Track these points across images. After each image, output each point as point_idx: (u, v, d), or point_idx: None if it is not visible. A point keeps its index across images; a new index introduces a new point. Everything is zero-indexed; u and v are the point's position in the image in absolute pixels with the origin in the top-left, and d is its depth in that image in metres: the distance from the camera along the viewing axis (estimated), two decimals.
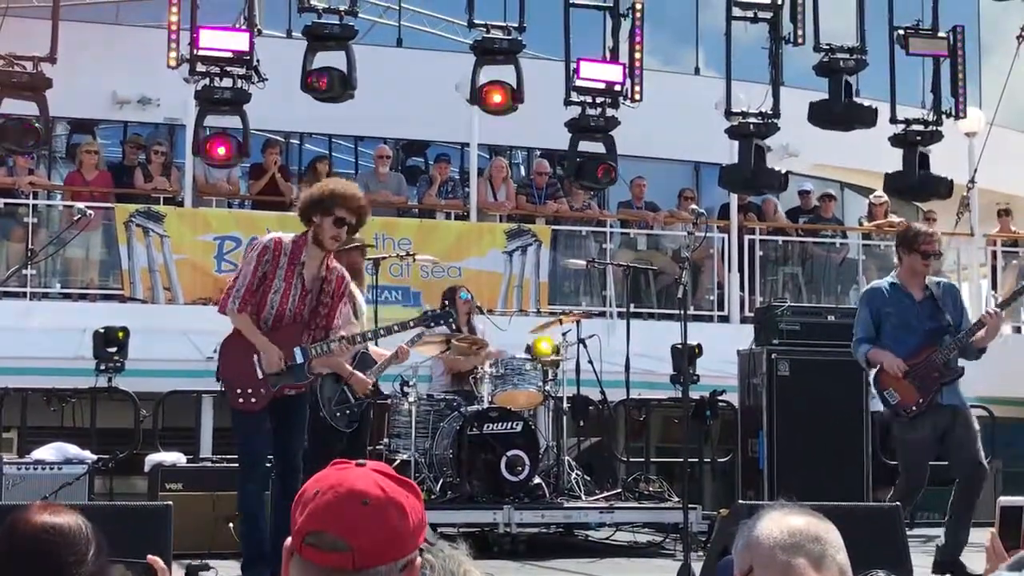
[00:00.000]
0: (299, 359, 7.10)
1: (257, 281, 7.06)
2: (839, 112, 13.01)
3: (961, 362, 8.22)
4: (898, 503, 7.72)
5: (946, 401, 8.08)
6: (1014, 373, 14.35)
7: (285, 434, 7.14)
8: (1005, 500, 3.27)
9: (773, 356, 10.43)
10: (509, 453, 9.67)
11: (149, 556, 2.77)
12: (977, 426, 8.16)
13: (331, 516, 2.06)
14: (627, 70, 12.76)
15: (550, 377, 10.39)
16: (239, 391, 7.10)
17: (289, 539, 2.14)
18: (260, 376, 7.06)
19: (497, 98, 12.32)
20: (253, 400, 7.09)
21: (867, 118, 13.00)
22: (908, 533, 7.87)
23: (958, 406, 8.11)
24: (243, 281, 7.08)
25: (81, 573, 2.42)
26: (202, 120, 11.98)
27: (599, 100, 12.64)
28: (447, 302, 11.09)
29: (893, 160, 13.59)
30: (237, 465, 7.28)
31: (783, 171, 13.43)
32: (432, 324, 7.93)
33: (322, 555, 2.05)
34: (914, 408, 8.07)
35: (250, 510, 7.01)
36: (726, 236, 15.72)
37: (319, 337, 7.16)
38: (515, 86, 12.35)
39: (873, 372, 8.22)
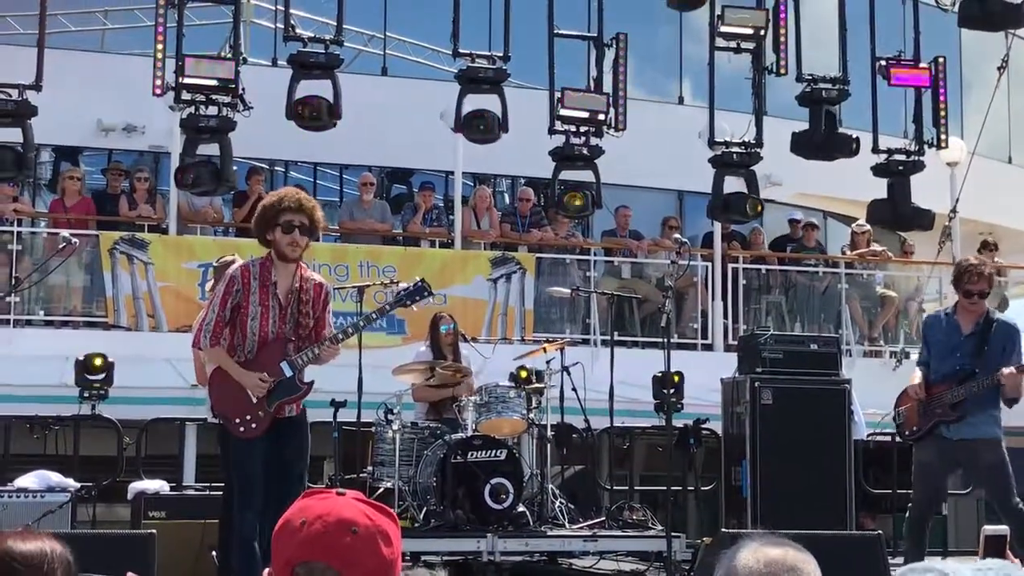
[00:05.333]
0: (287, 372, 7.09)
1: (228, 313, 7.06)
2: (821, 142, 13.09)
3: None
4: (879, 532, 7.77)
5: (954, 436, 8.11)
6: None
7: (281, 464, 7.10)
8: (989, 529, 3.32)
9: (756, 384, 10.44)
10: (493, 481, 9.66)
11: (129, 573, 2.77)
12: (1001, 460, 8.05)
13: (321, 546, 2.07)
14: (611, 100, 12.83)
15: (534, 405, 10.40)
16: (237, 420, 7.08)
17: (267, 570, 2.15)
18: (254, 401, 7.06)
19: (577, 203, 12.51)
20: (254, 425, 7.07)
21: (848, 148, 13.07)
22: (890, 561, 7.92)
23: (970, 440, 8.08)
24: (212, 315, 7.08)
25: None
26: (191, 150, 11.96)
27: (583, 129, 12.71)
28: (433, 333, 11.12)
29: (875, 189, 13.67)
30: (236, 493, 7.18)
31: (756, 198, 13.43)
32: (409, 302, 7.85)
33: None
34: (907, 433, 8.39)
35: (248, 537, 6.94)
36: (709, 264, 15.77)
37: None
38: (500, 115, 12.40)
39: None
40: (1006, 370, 8.01)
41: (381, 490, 9.67)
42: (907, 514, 8.42)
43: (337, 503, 2.13)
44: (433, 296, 8.03)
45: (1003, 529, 3.33)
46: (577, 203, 12.78)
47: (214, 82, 11.75)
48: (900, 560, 8.56)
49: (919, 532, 8.25)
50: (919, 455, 8.35)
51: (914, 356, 14.80)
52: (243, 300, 7.04)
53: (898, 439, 8.81)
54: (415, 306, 7.98)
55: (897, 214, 13.52)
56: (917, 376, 8.32)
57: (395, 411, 9.97)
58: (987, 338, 8.14)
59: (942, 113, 13.59)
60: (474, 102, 12.53)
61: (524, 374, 11.15)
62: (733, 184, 13.31)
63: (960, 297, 8.23)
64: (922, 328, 8.72)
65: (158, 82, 11.84)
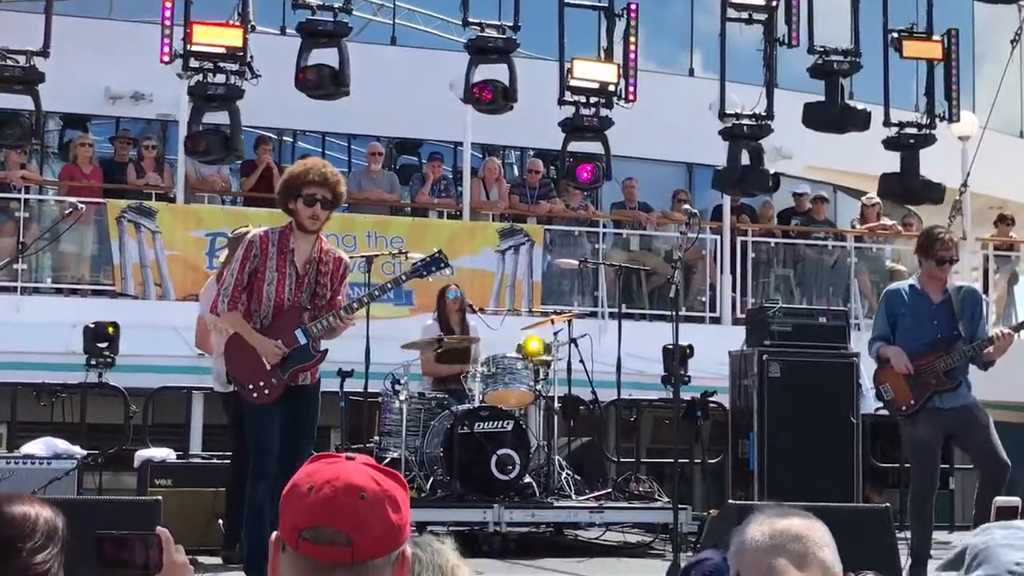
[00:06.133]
0: (301, 340, 7.09)
1: (246, 277, 7.06)
2: (833, 115, 13.02)
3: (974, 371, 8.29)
4: (887, 504, 7.76)
5: (947, 405, 8.11)
6: (1002, 377, 14.35)
7: (294, 431, 7.10)
8: (1001, 500, 3.30)
9: (764, 357, 10.42)
10: (499, 452, 9.67)
11: (159, 528, 2.80)
12: (989, 421, 8.13)
13: (329, 511, 2.06)
14: (621, 70, 12.76)
15: (541, 376, 10.38)
16: (251, 386, 7.09)
17: (275, 533, 2.13)
18: (268, 367, 7.06)
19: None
20: (267, 392, 7.07)
21: (860, 121, 13.00)
22: (897, 535, 7.91)
23: (962, 407, 8.12)
24: (231, 279, 7.11)
25: (19, 564, 2.41)
26: (198, 117, 11.92)
27: (593, 100, 12.64)
28: (440, 302, 11.09)
29: (886, 163, 13.60)
30: (251, 460, 7.15)
31: (772, 172, 13.39)
32: (425, 273, 7.84)
33: (320, 550, 2.06)
34: (904, 408, 8.21)
35: (259, 506, 6.91)
36: (719, 237, 15.73)
37: None
38: (508, 85, 12.34)
39: (875, 367, 8.39)
40: (1004, 330, 8.05)
41: (387, 460, 9.68)
42: (910, 494, 8.39)
43: (346, 468, 2.11)
44: (450, 268, 7.98)
45: (1015, 500, 3.31)
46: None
47: (222, 50, 11.69)
48: (906, 535, 8.54)
49: (925, 509, 8.23)
50: (915, 431, 8.23)
51: None
52: (260, 265, 7.06)
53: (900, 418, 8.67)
54: (430, 277, 7.98)
55: (908, 187, 13.46)
56: (898, 350, 8.16)
57: (402, 381, 9.98)
58: (952, 306, 8.17)
59: (954, 86, 13.50)
60: (483, 72, 12.47)
61: (538, 344, 11.04)
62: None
63: (931, 265, 8.19)
64: (882, 302, 8.53)
65: (166, 49, 11.79)
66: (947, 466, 11.81)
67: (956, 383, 8.08)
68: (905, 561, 7.93)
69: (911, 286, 8.37)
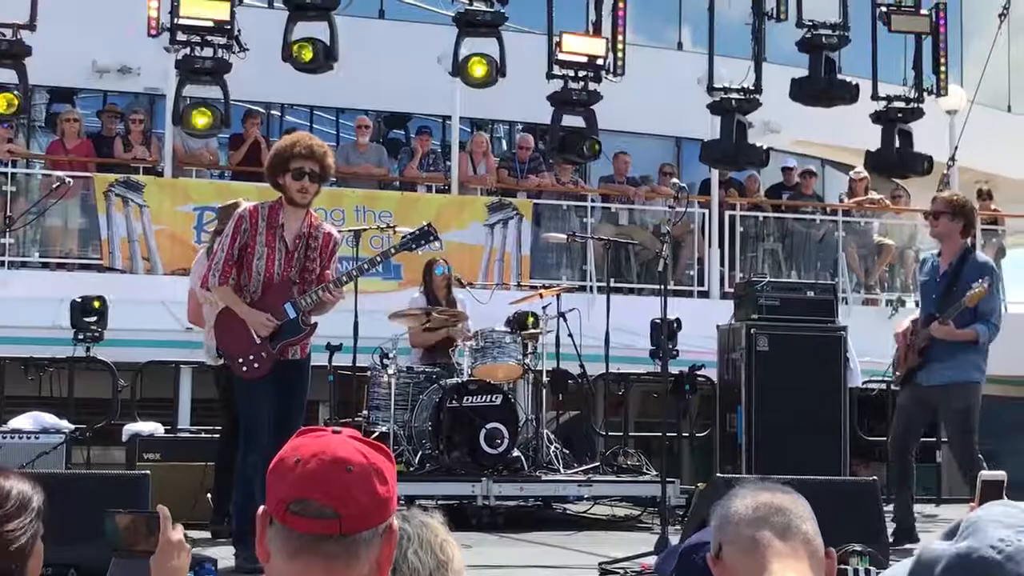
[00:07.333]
0: (291, 314, 7.09)
1: (237, 251, 7.05)
2: (821, 88, 13.02)
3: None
4: (875, 478, 7.81)
5: (924, 383, 8.28)
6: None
7: (285, 406, 7.10)
8: (986, 474, 3.31)
9: (752, 331, 10.42)
10: (488, 426, 9.68)
11: (159, 506, 2.82)
12: (964, 405, 8.18)
13: (317, 484, 2.07)
14: (610, 44, 12.74)
15: (530, 350, 10.39)
16: (241, 360, 7.09)
17: (263, 507, 2.14)
18: (258, 341, 7.05)
19: (479, 71, 12.33)
20: (256, 365, 7.07)
21: (848, 95, 13.01)
22: (885, 508, 7.95)
23: (940, 385, 8.20)
24: (222, 254, 7.09)
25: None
26: (182, 89, 11.90)
27: (581, 74, 12.62)
28: (427, 277, 11.09)
29: (874, 137, 13.61)
30: (242, 435, 7.15)
31: (764, 147, 13.43)
32: (415, 246, 7.84)
33: (308, 522, 2.06)
34: (892, 380, 8.75)
35: (248, 480, 6.92)
36: (707, 211, 15.73)
37: None
38: (497, 59, 12.31)
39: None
40: (934, 324, 8.11)
41: (376, 434, 9.68)
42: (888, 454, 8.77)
43: (332, 441, 2.12)
44: (439, 241, 7.97)
45: (1000, 474, 3.32)
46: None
47: (209, 23, 11.65)
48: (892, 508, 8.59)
49: (902, 467, 8.53)
50: (899, 399, 8.66)
51: (910, 304, 14.85)
52: (250, 240, 7.05)
53: (894, 387, 8.93)
54: (420, 250, 7.97)
55: (895, 161, 13.47)
56: (904, 323, 8.48)
57: (391, 355, 9.97)
58: (959, 276, 8.19)
59: (942, 60, 13.50)
60: (472, 46, 12.44)
61: (530, 320, 11.01)
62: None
63: None
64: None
65: (153, 23, 11.74)
66: (933, 439, 11.88)
67: (925, 360, 8.23)
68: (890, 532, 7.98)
69: (933, 255, 8.61)
